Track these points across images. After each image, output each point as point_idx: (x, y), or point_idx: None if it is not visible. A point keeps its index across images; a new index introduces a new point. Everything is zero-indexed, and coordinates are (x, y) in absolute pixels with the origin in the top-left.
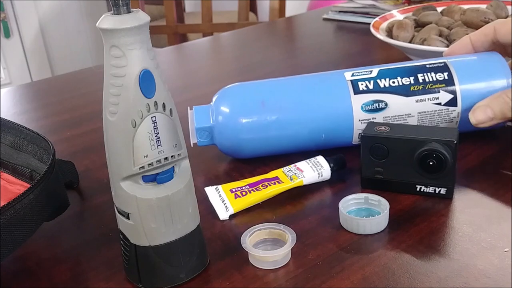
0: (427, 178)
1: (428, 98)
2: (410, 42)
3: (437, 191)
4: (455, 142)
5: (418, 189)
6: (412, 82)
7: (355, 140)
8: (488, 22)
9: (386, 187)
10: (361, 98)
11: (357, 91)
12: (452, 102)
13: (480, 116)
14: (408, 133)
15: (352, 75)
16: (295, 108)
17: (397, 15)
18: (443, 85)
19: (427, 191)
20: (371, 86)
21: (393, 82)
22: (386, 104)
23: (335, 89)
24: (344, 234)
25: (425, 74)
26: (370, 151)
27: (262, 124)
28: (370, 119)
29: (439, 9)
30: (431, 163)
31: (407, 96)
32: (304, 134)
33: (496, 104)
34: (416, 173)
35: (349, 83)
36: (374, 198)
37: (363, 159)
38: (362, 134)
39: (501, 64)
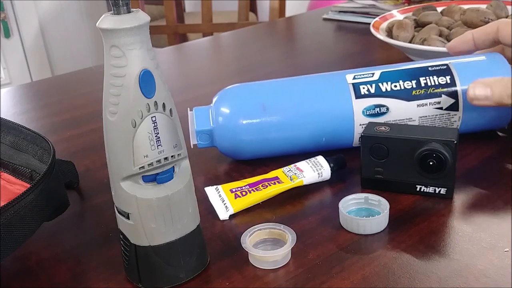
0: (427, 178)
1: (429, 103)
2: (410, 42)
3: (437, 191)
4: (455, 142)
5: (418, 189)
6: (414, 86)
7: (356, 143)
8: (488, 22)
9: (386, 187)
10: (363, 103)
11: (358, 96)
12: (454, 107)
13: (479, 91)
14: (408, 133)
15: (354, 78)
16: (295, 111)
17: (397, 15)
18: (445, 89)
19: (427, 191)
20: (372, 90)
21: (395, 86)
22: (387, 109)
23: (337, 93)
24: (344, 234)
25: (427, 77)
26: (370, 151)
27: (262, 126)
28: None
29: (439, 9)
30: (431, 163)
31: (408, 100)
32: (304, 137)
33: (497, 86)
34: (416, 173)
35: (351, 86)
36: (374, 198)
37: (363, 159)
38: (362, 134)
39: (504, 68)
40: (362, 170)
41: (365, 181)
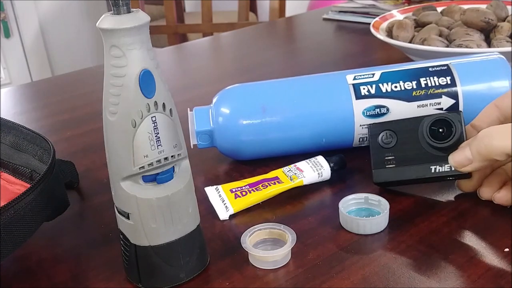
0: (439, 150)
1: (430, 103)
2: (410, 42)
3: (453, 168)
4: (461, 111)
5: (433, 171)
6: (415, 86)
7: (356, 143)
8: (488, 22)
9: (400, 175)
10: (363, 103)
11: (358, 96)
12: (454, 107)
13: (457, 156)
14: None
15: (354, 78)
16: (295, 112)
17: (397, 15)
18: (446, 90)
19: (443, 170)
20: (373, 91)
21: (395, 87)
22: (387, 110)
23: (337, 93)
24: (344, 234)
25: (427, 78)
26: (378, 140)
27: (263, 126)
28: (371, 124)
29: (439, 9)
30: (440, 130)
31: (409, 101)
32: (304, 138)
33: (473, 144)
34: (428, 154)
35: (351, 87)
36: (374, 198)
37: (372, 149)
38: (369, 128)
39: (505, 68)
40: (373, 161)
41: (378, 174)
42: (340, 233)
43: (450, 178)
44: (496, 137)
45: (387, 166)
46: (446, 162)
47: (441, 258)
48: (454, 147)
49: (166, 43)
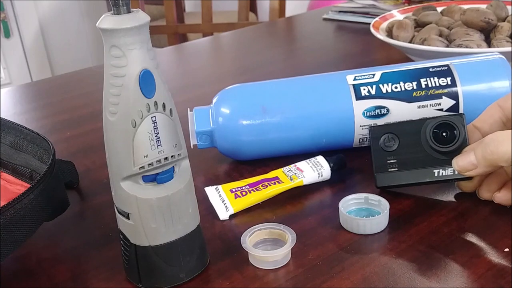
0: (442, 154)
1: (430, 104)
2: (410, 42)
3: (456, 172)
4: (464, 114)
5: (436, 174)
6: (415, 87)
7: (356, 144)
8: (488, 22)
9: (402, 179)
10: (363, 104)
11: (359, 97)
12: (454, 108)
13: (461, 161)
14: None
15: (355, 78)
16: (296, 112)
17: (397, 15)
18: (446, 90)
19: (446, 174)
20: (373, 92)
21: (396, 88)
22: (388, 110)
23: (337, 94)
24: (344, 234)
25: (428, 79)
26: (380, 142)
27: (263, 127)
28: (371, 124)
29: (439, 9)
30: (444, 134)
31: (409, 102)
32: (304, 138)
33: (479, 149)
34: (430, 157)
35: (351, 88)
36: (374, 198)
37: (374, 152)
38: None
39: (505, 68)
40: (375, 165)
41: (380, 178)
42: (340, 233)
43: (452, 180)
44: (503, 143)
45: (389, 170)
46: (449, 165)
47: (441, 258)
48: (458, 150)
49: (166, 43)
